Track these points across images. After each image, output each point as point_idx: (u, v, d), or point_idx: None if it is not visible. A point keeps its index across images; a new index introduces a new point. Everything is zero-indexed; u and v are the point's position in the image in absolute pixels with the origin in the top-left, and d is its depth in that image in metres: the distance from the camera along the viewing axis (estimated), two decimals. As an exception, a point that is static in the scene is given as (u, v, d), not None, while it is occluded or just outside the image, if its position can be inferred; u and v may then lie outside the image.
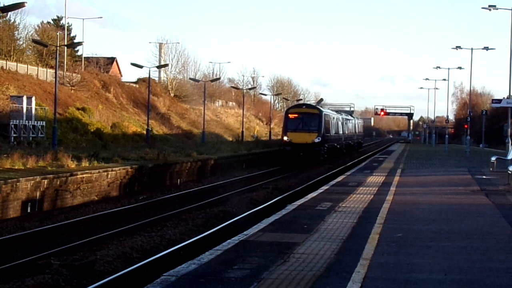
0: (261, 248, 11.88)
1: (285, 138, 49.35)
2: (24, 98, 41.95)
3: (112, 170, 28.14)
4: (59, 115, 43.09)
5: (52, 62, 55.06)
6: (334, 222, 15.15)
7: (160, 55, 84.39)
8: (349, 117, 74.12)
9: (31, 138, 40.10)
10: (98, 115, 53.87)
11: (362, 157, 56.94)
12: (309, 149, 48.63)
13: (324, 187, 24.13)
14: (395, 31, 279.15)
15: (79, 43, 57.94)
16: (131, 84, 75.62)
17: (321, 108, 55.64)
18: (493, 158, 32.98)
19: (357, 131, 79.27)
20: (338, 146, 58.83)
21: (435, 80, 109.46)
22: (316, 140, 49.22)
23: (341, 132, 62.14)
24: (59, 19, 70.52)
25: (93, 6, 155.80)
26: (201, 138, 59.93)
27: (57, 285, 12.62)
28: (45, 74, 55.34)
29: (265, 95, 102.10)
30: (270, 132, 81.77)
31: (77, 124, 48.23)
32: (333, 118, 57.63)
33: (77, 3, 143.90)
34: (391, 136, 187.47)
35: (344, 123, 65.67)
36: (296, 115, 50.86)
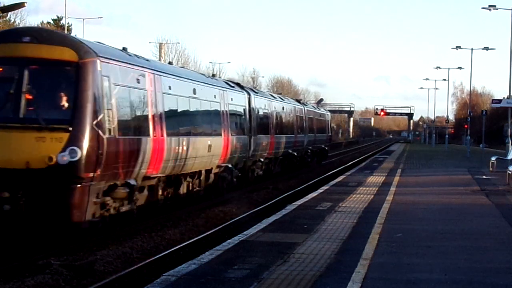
0: (261, 248, 11.89)
1: None
2: (24, 98, 41.91)
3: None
4: (59, 115, 42.97)
5: (52, 62, 54.95)
6: (334, 222, 15.16)
7: (160, 55, 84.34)
8: (291, 102, 40.44)
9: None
10: (98, 115, 53.77)
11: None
12: (37, 191, 13.88)
13: (324, 187, 24.17)
14: (393, 31, 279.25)
15: (79, 43, 57.84)
16: (131, 84, 75.49)
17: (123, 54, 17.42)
18: (493, 158, 32.99)
19: (309, 129, 43.43)
20: (241, 165, 28.19)
21: (435, 80, 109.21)
22: (67, 159, 13.65)
23: (246, 131, 28.01)
24: (59, 19, 70.54)
25: (93, 7, 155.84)
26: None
27: (57, 285, 12.60)
28: (45, 74, 55.23)
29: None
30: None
31: (77, 124, 48.16)
32: (198, 92, 21.96)
33: (77, 3, 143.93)
34: (391, 136, 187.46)
35: (272, 114, 32.91)
36: None
